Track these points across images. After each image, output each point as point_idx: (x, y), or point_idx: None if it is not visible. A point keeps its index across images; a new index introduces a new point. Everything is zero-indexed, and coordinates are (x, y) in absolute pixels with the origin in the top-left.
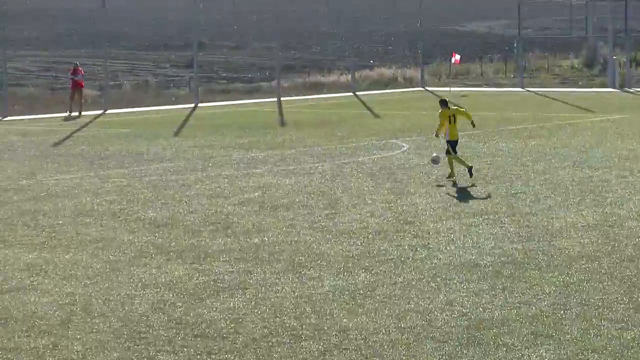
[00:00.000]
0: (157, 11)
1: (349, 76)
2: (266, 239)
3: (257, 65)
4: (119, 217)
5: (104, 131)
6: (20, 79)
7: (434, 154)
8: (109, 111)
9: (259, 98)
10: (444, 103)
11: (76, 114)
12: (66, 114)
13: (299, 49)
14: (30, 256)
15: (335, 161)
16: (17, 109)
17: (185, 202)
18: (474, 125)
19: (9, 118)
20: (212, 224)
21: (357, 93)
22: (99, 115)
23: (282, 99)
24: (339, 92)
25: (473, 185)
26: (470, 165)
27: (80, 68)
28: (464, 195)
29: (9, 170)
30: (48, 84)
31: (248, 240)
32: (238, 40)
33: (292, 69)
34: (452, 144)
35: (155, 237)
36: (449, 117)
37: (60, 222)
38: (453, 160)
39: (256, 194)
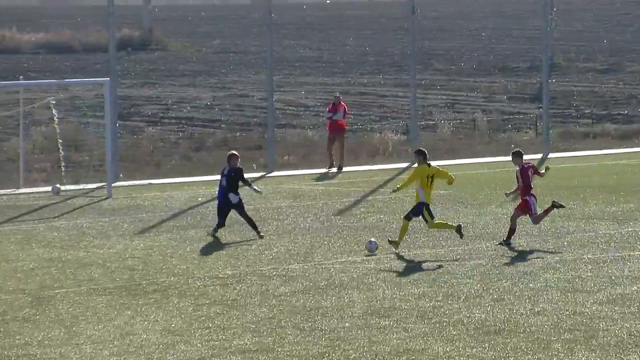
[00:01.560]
0: (487, 19)
1: None
2: None
3: (638, 98)
4: (431, 318)
5: (409, 193)
6: (293, 117)
7: (372, 240)
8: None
9: (638, 146)
10: (422, 156)
11: (334, 169)
12: (334, 169)
13: None
14: None
15: None
16: (287, 161)
17: (528, 297)
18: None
19: (275, 173)
20: (568, 330)
21: None
22: (403, 170)
23: None
24: None
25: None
26: (458, 224)
27: (343, 103)
28: None
29: (275, 249)
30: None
31: (622, 356)
32: (609, 60)
33: None
34: (428, 207)
35: (484, 348)
36: (427, 176)
37: (347, 324)
38: (435, 227)
39: (635, 287)
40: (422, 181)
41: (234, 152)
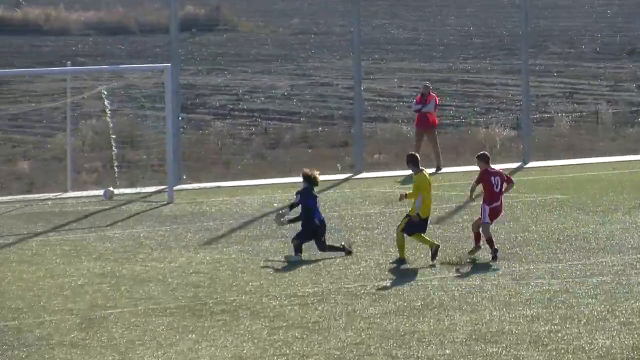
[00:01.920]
0: None
1: None
2: None
3: None
4: (547, 345)
5: (520, 198)
6: (384, 109)
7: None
8: (531, 164)
9: None
10: (413, 162)
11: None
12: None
13: None
14: None
15: None
16: (378, 160)
17: None
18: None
19: (364, 175)
20: None
21: None
22: (515, 171)
23: None
24: None
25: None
26: (436, 243)
27: (433, 94)
28: None
29: (363, 263)
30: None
31: None
32: None
33: None
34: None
35: None
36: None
37: (447, 351)
38: (400, 240)
39: None
40: (427, 192)
41: (305, 169)
